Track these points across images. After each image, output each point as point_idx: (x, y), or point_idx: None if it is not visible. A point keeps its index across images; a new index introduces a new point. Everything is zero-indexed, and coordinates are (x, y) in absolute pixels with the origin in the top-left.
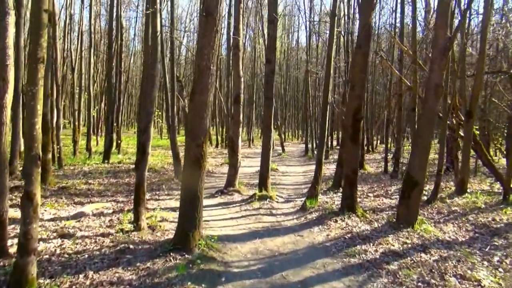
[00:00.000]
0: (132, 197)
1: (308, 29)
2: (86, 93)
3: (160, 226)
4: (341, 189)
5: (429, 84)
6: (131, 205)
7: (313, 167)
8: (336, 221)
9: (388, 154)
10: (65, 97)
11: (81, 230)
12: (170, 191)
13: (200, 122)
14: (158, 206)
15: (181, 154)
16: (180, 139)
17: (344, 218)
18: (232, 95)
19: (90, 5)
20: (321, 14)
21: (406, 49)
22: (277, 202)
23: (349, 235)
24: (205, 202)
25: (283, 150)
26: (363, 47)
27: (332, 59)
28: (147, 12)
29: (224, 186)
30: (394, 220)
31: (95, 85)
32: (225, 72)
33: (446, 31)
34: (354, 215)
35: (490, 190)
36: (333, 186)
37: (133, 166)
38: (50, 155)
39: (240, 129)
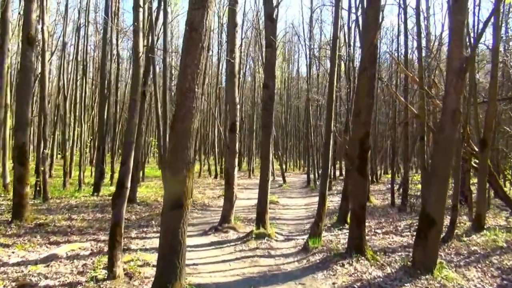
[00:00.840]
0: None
1: (308, 57)
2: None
3: (140, 273)
4: (346, 225)
5: (445, 110)
6: None
7: (316, 199)
8: (343, 265)
9: (394, 185)
10: (60, 127)
11: (46, 278)
12: (158, 228)
13: (182, 153)
14: (144, 245)
15: None
16: None
17: (352, 262)
18: (228, 123)
19: (85, 33)
20: (320, 43)
21: (411, 75)
22: (276, 240)
23: (358, 284)
24: (197, 240)
25: (284, 181)
26: (369, 69)
27: (335, 83)
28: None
29: (218, 222)
30: (410, 264)
31: (90, 115)
32: (225, 100)
33: (461, 50)
34: (363, 257)
35: (508, 226)
36: (338, 222)
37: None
38: (27, 189)
39: (236, 160)
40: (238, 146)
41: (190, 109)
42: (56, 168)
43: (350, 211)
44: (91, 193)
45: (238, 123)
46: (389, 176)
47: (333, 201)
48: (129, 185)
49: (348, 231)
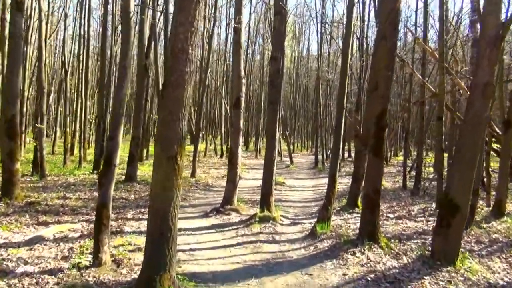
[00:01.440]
0: (113, 214)
1: (319, 34)
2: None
3: (129, 259)
4: (356, 209)
5: (476, 83)
6: None
7: (324, 180)
8: (354, 253)
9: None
10: (64, 103)
11: (26, 264)
12: None
13: (173, 125)
14: (139, 228)
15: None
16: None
17: (364, 250)
18: (233, 98)
19: (88, 5)
20: (333, 19)
21: (430, 50)
22: (282, 224)
23: (372, 276)
24: (197, 223)
25: (291, 161)
26: (389, 38)
27: (349, 53)
28: None
29: (220, 204)
30: (428, 254)
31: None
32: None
33: (498, 15)
34: (376, 245)
35: None
36: (347, 205)
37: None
38: (18, 165)
39: (240, 138)
40: (244, 125)
41: (183, 74)
42: (59, 145)
43: (363, 195)
44: (91, 171)
45: (243, 99)
46: (399, 158)
47: (342, 183)
48: (117, 162)
49: (358, 215)
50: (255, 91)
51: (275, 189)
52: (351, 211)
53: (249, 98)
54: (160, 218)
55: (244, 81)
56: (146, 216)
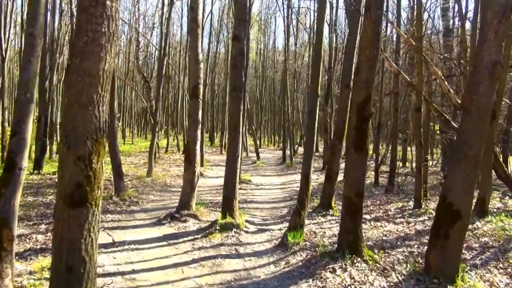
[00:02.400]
0: (42, 225)
1: (286, 24)
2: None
3: None
4: (331, 211)
5: (481, 62)
6: (29, 241)
7: (293, 177)
8: (334, 270)
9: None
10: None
11: None
12: (101, 215)
13: (83, 113)
14: None
15: (138, 161)
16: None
17: (346, 266)
18: (190, 87)
19: None
20: (299, 7)
21: (406, 36)
22: (247, 232)
23: None
24: (146, 233)
25: (258, 157)
26: (373, 10)
27: (323, 34)
28: None
29: (176, 208)
30: (421, 268)
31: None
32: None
33: None
34: (359, 259)
35: (508, 209)
36: (320, 207)
37: None
38: None
39: (199, 132)
40: (209, 119)
41: (97, 37)
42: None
43: (343, 198)
44: (31, 171)
45: (201, 86)
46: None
47: (312, 180)
48: (25, 164)
49: (334, 218)
50: (220, 84)
51: (240, 188)
52: (324, 213)
53: (214, 92)
54: (67, 247)
55: (202, 66)
56: None
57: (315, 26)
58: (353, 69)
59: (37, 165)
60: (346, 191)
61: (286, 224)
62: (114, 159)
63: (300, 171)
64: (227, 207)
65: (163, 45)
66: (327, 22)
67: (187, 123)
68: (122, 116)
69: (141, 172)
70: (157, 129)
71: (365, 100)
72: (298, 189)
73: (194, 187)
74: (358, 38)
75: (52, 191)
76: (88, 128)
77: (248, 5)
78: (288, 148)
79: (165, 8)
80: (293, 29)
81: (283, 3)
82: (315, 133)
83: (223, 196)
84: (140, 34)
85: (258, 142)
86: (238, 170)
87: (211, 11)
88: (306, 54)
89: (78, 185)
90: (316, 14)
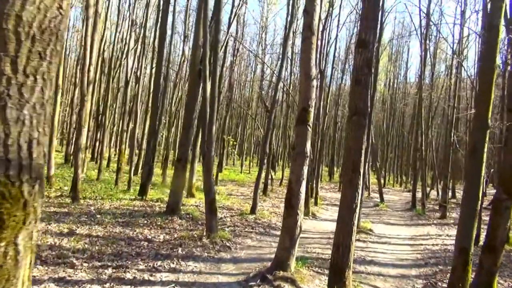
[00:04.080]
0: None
1: (422, 48)
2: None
3: None
4: None
5: None
6: None
7: (425, 230)
8: None
9: None
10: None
11: None
12: (182, 262)
13: None
14: None
15: (250, 192)
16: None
17: None
18: (298, 109)
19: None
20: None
21: None
22: None
23: None
24: None
25: (382, 199)
26: None
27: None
28: None
29: (269, 267)
30: None
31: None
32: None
33: None
34: None
35: None
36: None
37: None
38: None
39: (306, 168)
40: (326, 152)
41: None
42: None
43: None
44: (136, 196)
45: (312, 110)
46: None
47: (450, 236)
48: None
49: None
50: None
51: (358, 240)
52: None
53: (336, 125)
54: None
55: (315, 83)
56: (156, 275)
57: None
58: None
59: (142, 190)
60: None
61: None
62: (207, 192)
63: (434, 222)
64: (336, 278)
65: (280, 66)
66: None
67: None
68: (242, 145)
69: (247, 207)
70: (265, 160)
71: None
72: (434, 248)
73: (295, 241)
74: None
75: (145, 222)
76: None
77: (380, 5)
78: (419, 191)
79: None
80: (430, 58)
81: (420, 26)
82: (481, 180)
83: (331, 263)
84: (264, 64)
85: (382, 181)
86: (355, 228)
87: (336, 36)
88: (442, 83)
89: None
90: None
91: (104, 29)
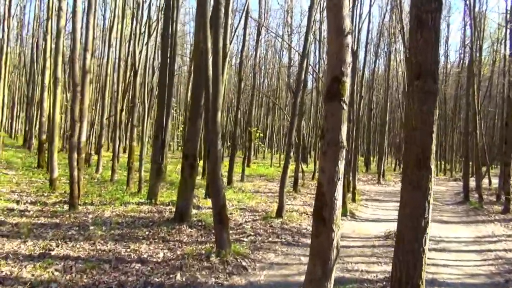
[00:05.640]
0: None
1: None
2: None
3: None
4: None
5: None
6: None
7: (489, 228)
8: None
9: None
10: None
11: None
12: None
13: None
14: None
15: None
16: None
17: None
18: (326, 81)
19: None
20: None
21: None
22: None
23: None
24: None
25: None
26: None
27: None
28: None
29: None
30: None
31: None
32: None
33: None
34: None
35: None
36: None
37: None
38: None
39: (342, 164)
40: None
41: None
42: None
43: None
44: (146, 199)
45: (347, 80)
46: None
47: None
48: None
49: None
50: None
51: None
52: None
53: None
54: None
55: (349, 41)
56: None
57: None
58: None
59: (151, 193)
60: None
61: None
62: (215, 197)
63: (496, 218)
64: None
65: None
66: None
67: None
68: (270, 136)
69: (273, 208)
70: (291, 152)
71: None
72: (509, 255)
73: (330, 269)
74: None
75: (146, 233)
76: None
77: None
78: (475, 180)
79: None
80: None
81: None
82: None
83: None
84: (290, 48)
85: None
86: (426, 254)
87: (369, 12)
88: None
89: None
90: None
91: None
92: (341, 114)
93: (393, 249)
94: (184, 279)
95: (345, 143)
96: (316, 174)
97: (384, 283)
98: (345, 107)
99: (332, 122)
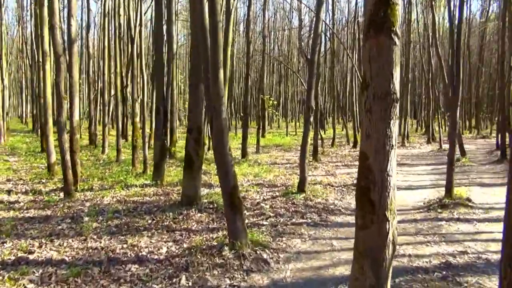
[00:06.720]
0: None
1: None
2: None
3: None
4: None
5: None
6: None
7: None
8: None
9: None
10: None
11: None
12: None
13: None
14: None
15: (297, 158)
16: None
17: None
18: (366, 9)
19: None
20: None
21: None
22: None
23: None
24: None
25: (463, 152)
26: None
27: None
28: None
29: None
30: None
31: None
32: None
33: None
34: None
35: None
36: None
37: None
38: None
39: (395, 124)
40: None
41: None
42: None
43: None
44: (150, 180)
45: (398, 2)
46: None
47: None
48: None
49: None
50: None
51: (458, 219)
52: None
53: None
54: None
55: None
56: None
57: None
58: None
59: (156, 172)
60: None
61: None
62: (223, 178)
63: None
64: None
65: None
66: None
67: (357, 109)
68: (284, 104)
69: (293, 181)
70: (311, 118)
71: None
72: None
73: (386, 273)
74: None
75: (147, 219)
76: None
77: None
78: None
79: None
80: None
81: None
82: None
83: None
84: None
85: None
86: None
87: None
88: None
89: None
90: None
91: None
92: (392, 53)
93: (440, 223)
94: (190, 283)
95: (398, 94)
96: (336, 140)
97: (444, 272)
98: (397, 41)
99: (379, 65)
